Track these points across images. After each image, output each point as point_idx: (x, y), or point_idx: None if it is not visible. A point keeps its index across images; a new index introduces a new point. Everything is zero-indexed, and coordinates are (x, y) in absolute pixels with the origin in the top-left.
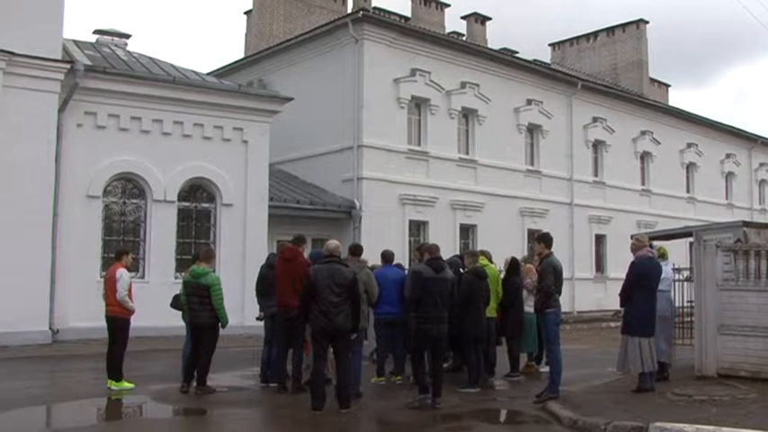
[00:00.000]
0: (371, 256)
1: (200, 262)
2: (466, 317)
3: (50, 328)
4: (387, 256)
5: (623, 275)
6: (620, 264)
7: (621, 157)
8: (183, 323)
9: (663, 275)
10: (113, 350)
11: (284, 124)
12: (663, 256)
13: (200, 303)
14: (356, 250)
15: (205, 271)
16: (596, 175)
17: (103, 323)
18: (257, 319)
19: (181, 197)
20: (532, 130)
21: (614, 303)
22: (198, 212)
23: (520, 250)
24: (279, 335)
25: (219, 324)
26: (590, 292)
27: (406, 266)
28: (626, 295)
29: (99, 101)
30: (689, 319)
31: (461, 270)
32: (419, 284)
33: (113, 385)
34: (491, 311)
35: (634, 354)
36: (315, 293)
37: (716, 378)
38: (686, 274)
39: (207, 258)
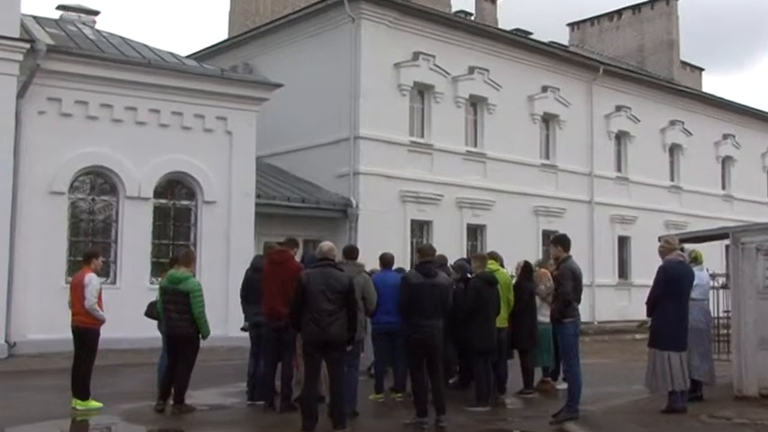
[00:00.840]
0: (369, 260)
1: (178, 266)
2: (474, 327)
3: (6, 341)
4: (386, 260)
5: (650, 282)
6: (646, 269)
7: (648, 149)
8: (158, 334)
9: (696, 282)
10: (79, 365)
11: (273, 113)
12: (696, 260)
13: (178, 312)
14: (351, 252)
15: (184, 276)
16: (619, 169)
17: (68, 335)
18: (242, 329)
19: (157, 194)
20: (548, 120)
21: (640, 313)
22: (176, 211)
23: (534, 253)
24: (266, 347)
25: (200, 335)
26: (612, 301)
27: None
28: (653, 304)
29: (64, 85)
30: (726, 331)
31: (468, 275)
32: (406, 291)
33: (79, 405)
34: (501, 321)
35: (663, 370)
36: (306, 300)
37: (757, 399)
38: (722, 280)
39: (186, 261)
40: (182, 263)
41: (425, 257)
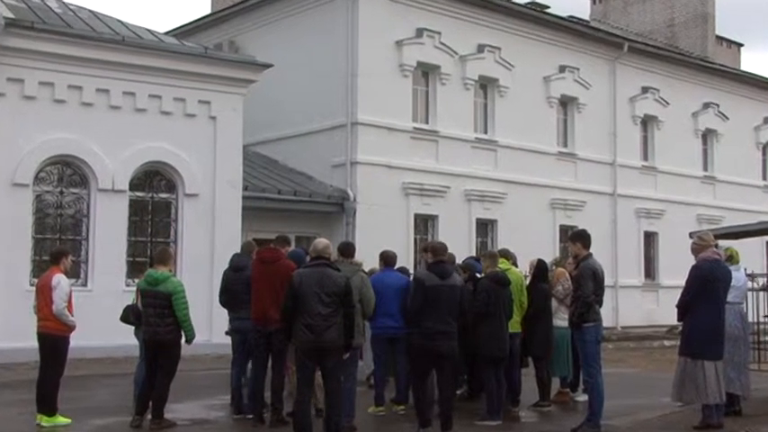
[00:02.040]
0: (369, 259)
1: (156, 265)
2: (483, 333)
3: None
4: (387, 259)
5: (681, 283)
6: (675, 268)
7: (678, 135)
8: (135, 341)
9: (732, 283)
10: (46, 376)
11: (261, 97)
12: (732, 258)
13: (158, 316)
14: (347, 250)
15: (164, 275)
16: (646, 158)
17: (33, 343)
18: (226, 333)
19: (133, 186)
20: (566, 103)
21: (669, 317)
22: (155, 205)
23: (550, 251)
24: (255, 355)
25: (184, 340)
26: (638, 303)
27: (411, 270)
28: (685, 307)
29: (26, 65)
30: (765, 338)
31: (477, 275)
32: (420, 294)
33: (44, 421)
34: (514, 326)
35: (696, 381)
36: (299, 303)
37: None
38: (763, 281)
39: (163, 260)
40: (158, 261)
41: (439, 256)
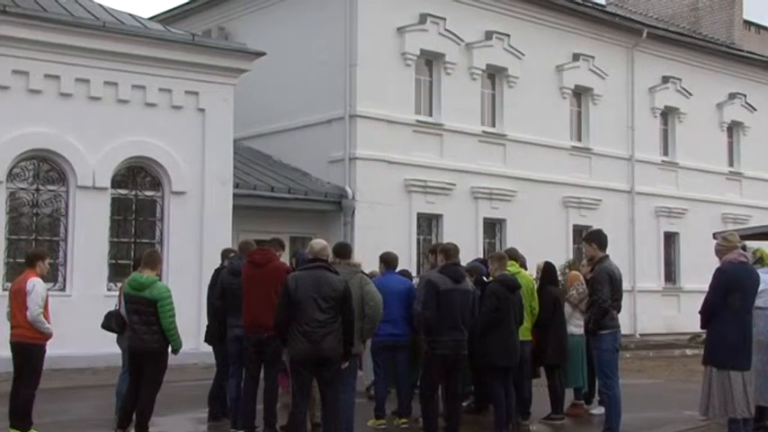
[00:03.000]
0: (368, 261)
1: (142, 269)
2: (492, 340)
3: None
4: (388, 261)
5: (704, 287)
6: (698, 271)
7: (701, 128)
8: (118, 350)
9: (762, 287)
10: (20, 388)
11: (253, 88)
12: (761, 261)
13: (143, 323)
14: (343, 250)
15: (150, 280)
16: (666, 153)
17: (6, 352)
18: (205, 341)
19: (115, 183)
20: (581, 94)
21: (691, 324)
22: (139, 203)
23: (562, 252)
24: (246, 364)
25: (170, 350)
26: (657, 309)
27: (414, 274)
28: (709, 313)
29: None
30: None
31: (485, 279)
32: (433, 298)
33: None
34: (525, 333)
35: (721, 392)
36: (294, 309)
37: None
38: None
39: (151, 263)
40: (145, 265)
41: (452, 258)
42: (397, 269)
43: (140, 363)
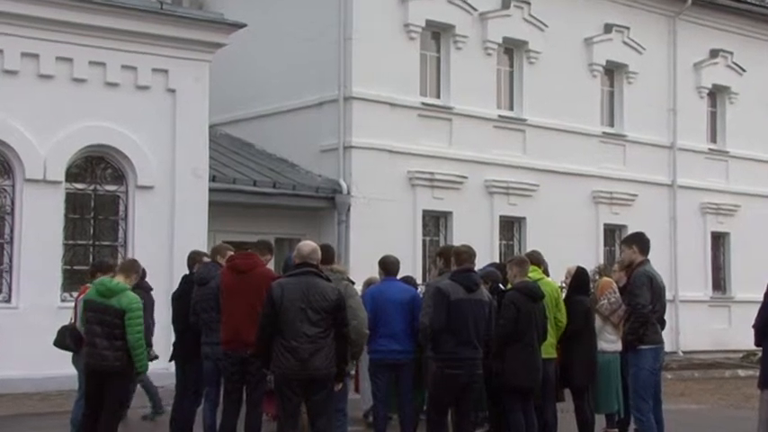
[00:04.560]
0: (365, 266)
1: (116, 274)
2: (510, 358)
3: None
4: (387, 266)
5: (759, 297)
6: (752, 278)
7: (756, 111)
8: (73, 371)
9: None
10: None
11: (232, 65)
12: None
13: (105, 337)
14: (326, 254)
15: (121, 287)
16: (714, 140)
17: None
18: (171, 360)
19: (71, 176)
20: (613, 71)
21: (744, 340)
22: (99, 199)
23: (592, 256)
24: (226, 387)
25: (135, 370)
26: (704, 322)
27: (419, 281)
28: (764, 329)
29: None
30: None
31: (502, 287)
32: (443, 310)
33: None
34: (548, 349)
35: None
36: (280, 321)
37: None
38: None
39: (126, 271)
40: (121, 271)
41: (466, 264)
42: (400, 275)
43: (99, 384)
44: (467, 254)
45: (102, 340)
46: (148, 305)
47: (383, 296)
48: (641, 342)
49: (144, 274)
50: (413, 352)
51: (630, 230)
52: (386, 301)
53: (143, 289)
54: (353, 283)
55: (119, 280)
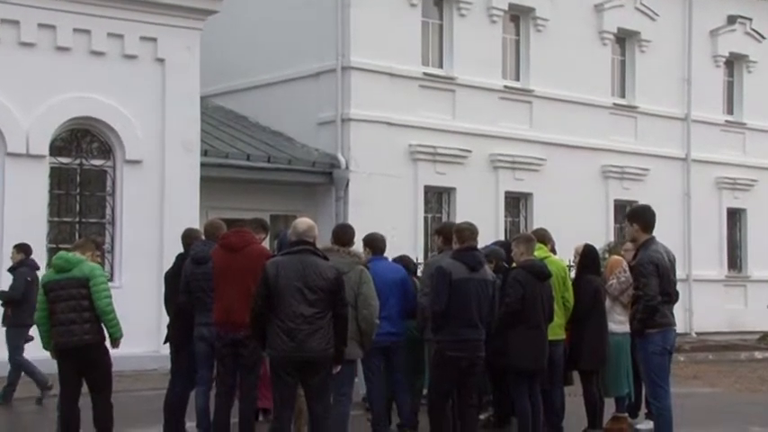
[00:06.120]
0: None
1: (71, 251)
2: (515, 340)
3: None
4: (373, 243)
5: None
6: None
7: None
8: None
9: None
10: None
11: (224, 33)
12: None
13: (72, 310)
14: (344, 235)
15: (77, 258)
16: (730, 111)
17: None
18: (165, 342)
19: (56, 150)
20: (624, 39)
21: (761, 321)
22: (85, 174)
23: (602, 233)
24: (219, 370)
25: (111, 336)
26: (718, 303)
27: (421, 260)
28: None
29: None
30: None
31: (506, 265)
32: (445, 289)
33: None
34: (555, 331)
35: None
36: (275, 301)
37: None
38: None
39: (81, 247)
40: (76, 248)
41: (468, 241)
42: (398, 256)
43: (73, 365)
44: (469, 230)
45: (67, 315)
46: (35, 283)
47: (376, 276)
48: (648, 327)
49: (30, 250)
50: (404, 334)
51: None
52: (378, 282)
53: (29, 267)
54: (369, 268)
55: (77, 255)
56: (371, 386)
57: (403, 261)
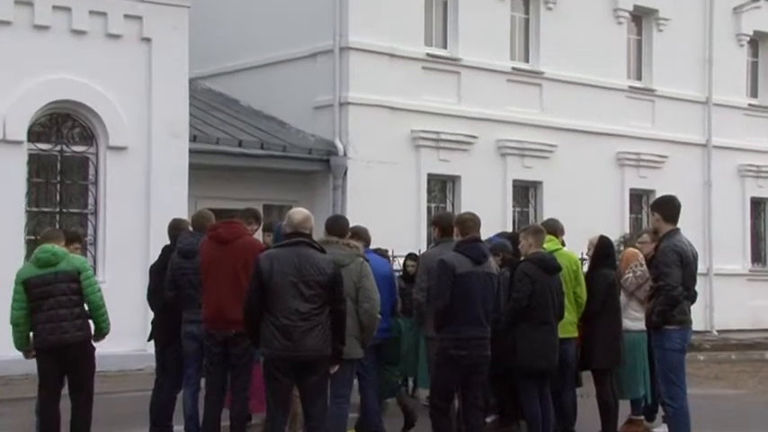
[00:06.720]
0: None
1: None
2: (524, 337)
3: None
4: (364, 234)
5: None
6: None
7: None
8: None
9: None
10: None
11: (215, 11)
12: None
13: (64, 306)
14: (338, 226)
15: (62, 251)
16: (755, 94)
17: None
18: (149, 339)
19: (34, 135)
20: (641, 17)
21: None
22: (66, 161)
23: (617, 224)
24: (208, 370)
25: (100, 332)
26: (742, 298)
27: (421, 250)
28: None
29: None
30: None
31: (514, 258)
32: (448, 284)
33: None
34: (567, 328)
35: None
36: (269, 297)
37: None
38: None
39: (57, 238)
40: (45, 239)
41: (471, 233)
42: (403, 252)
43: (58, 364)
44: (471, 221)
45: (56, 311)
46: None
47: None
48: (668, 323)
49: None
50: (393, 330)
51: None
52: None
53: None
54: (369, 261)
55: (61, 248)
56: (366, 385)
57: (379, 253)
